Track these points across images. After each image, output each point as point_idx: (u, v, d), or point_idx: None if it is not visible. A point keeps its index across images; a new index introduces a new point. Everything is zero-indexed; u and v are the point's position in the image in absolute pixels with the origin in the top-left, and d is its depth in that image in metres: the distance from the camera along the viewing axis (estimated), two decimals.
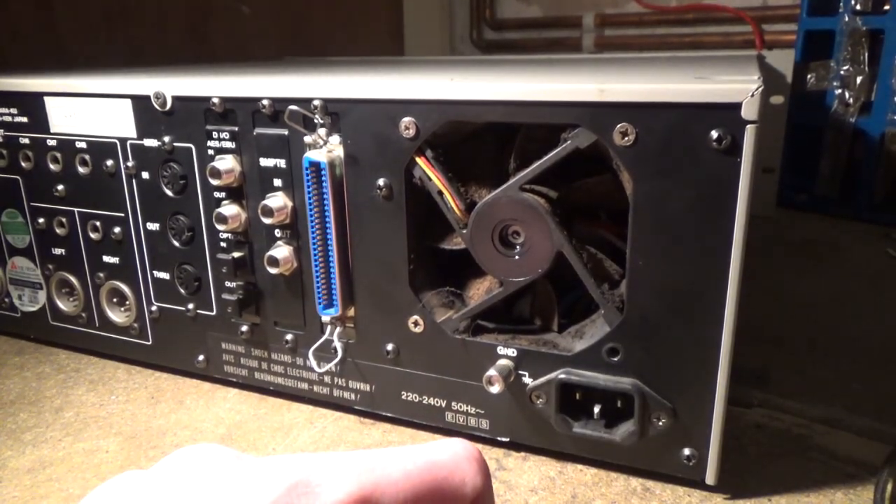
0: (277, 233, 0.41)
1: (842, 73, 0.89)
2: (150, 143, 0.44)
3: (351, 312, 0.41)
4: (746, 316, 0.40)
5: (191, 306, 0.46)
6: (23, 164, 0.49)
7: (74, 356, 0.52)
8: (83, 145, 0.46)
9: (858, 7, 0.86)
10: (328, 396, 0.43)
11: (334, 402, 0.43)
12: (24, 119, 0.48)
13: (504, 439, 0.39)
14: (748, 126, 0.29)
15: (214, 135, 0.41)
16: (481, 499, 0.21)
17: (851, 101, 0.88)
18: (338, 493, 0.17)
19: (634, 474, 0.37)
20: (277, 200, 0.40)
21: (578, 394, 0.37)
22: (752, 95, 0.29)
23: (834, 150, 0.91)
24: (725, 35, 1.23)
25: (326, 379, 0.43)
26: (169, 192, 0.44)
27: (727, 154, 0.30)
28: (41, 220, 0.50)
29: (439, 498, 0.19)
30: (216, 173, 0.40)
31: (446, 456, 0.20)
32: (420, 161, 0.36)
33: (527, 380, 0.37)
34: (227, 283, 0.44)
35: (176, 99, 0.42)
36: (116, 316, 0.50)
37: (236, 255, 0.43)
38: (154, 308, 0.48)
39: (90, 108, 0.45)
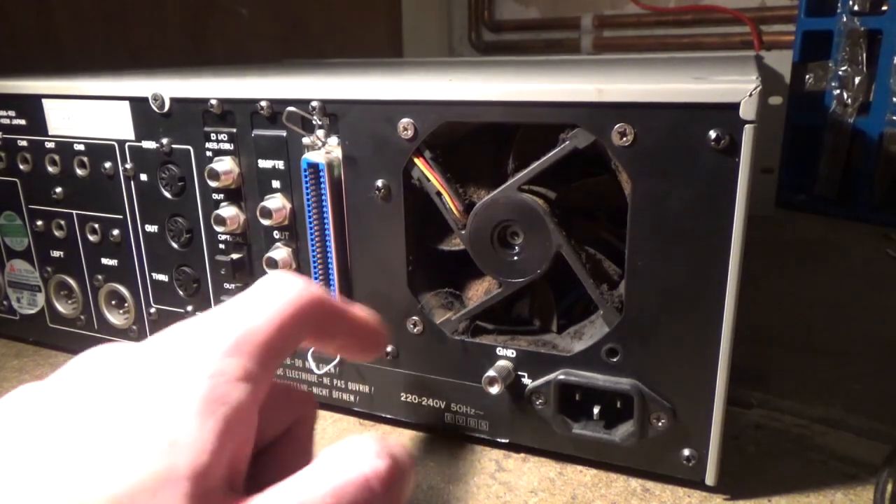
0: (276, 234, 0.41)
1: (840, 73, 0.89)
2: (149, 145, 0.43)
3: None
4: (745, 316, 0.40)
5: (190, 308, 0.46)
6: (21, 166, 0.49)
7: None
8: (81, 147, 0.46)
9: (856, 7, 0.86)
10: (327, 398, 0.43)
11: (333, 403, 0.43)
12: (22, 121, 0.48)
13: (504, 440, 0.39)
14: (746, 126, 0.29)
15: (213, 136, 0.41)
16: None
17: (850, 101, 0.88)
18: (220, 346, 0.19)
19: (634, 475, 0.37)
20: (276, 202, 0.40)
21: (578, 394, 0.36)
22: (750, 95, 0.29)
23: (833, 150, 0.91)
24: (724, 36, 1.23)
25: (325, 380, 0.43)
26: (167, 194, 0.44)
27: (725, 154, 0.30)
28: (39, 223, 0.50)
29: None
30: (214, 175, 0.40)
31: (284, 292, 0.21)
32: (418, 162, 0.36)
33: (526, 381, 0.37)
34: (226, 285, 0.43)
35: (174, 101, 0.42)
36: (115, 318, 0.50)
37: (235, 256, 0.42)
38: (153, 310, 0.47)
39: (88, 111, 0.45)
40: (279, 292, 0.21)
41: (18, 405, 0.18)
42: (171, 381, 0.18)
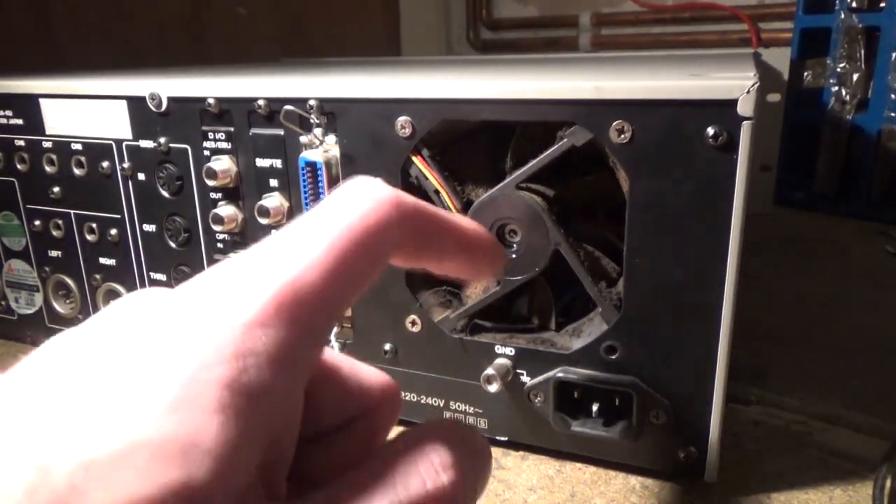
0: (274, 233, 0.41)
1: (838, 70, 0.89)
2: (146, 144, 0.43)
3: (348, 312, 0.41)
4: (744, 313, 0.40)
5: None
6: (18, 166, 0.49)
7: None
8: (79, 147, 0.46)
9: (854, 4, 0.86)
10: None
11: None
12: (20, 121, 0.48)
13: (502, 438, 0.39)
14: (744, 122, 0.29)
15: (210, 135, 0.41)
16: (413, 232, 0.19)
17: (848, 98, 0.88)
18: (248, 313, 0.15)
19: (633, 472, 0.37)
20: (274, 201, 0.40)
21: (576, 392, 0.36)
22: (748, 92, 0.29)
23: (831, 147, 0.91)
24: (722, 33, 1.23)
25: None
26: (165, 194, 0.44)
27: (723, 151, 0.30)
28: (37, 223, 0.50)
29: (371, 254, 0.17)
30: (212, 174, 0.40)
31: (361, 207, 0.17)
32: (416, 160, 0.36)
33: (525, 378, 0.37)
34: None
35: (171, 100, 0.42)
36: None
37: (233, 256, 0.42)
38: None
39: (86, 110, 0.45)
40: (348, 212, 0.17)
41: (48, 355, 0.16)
42: (186, 363, 0.14)
